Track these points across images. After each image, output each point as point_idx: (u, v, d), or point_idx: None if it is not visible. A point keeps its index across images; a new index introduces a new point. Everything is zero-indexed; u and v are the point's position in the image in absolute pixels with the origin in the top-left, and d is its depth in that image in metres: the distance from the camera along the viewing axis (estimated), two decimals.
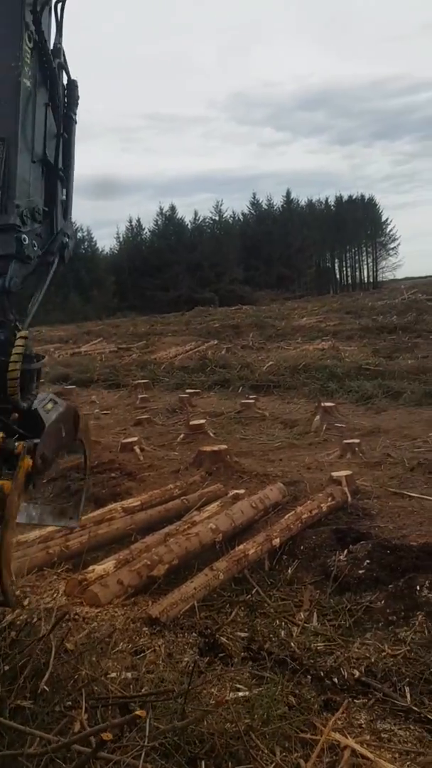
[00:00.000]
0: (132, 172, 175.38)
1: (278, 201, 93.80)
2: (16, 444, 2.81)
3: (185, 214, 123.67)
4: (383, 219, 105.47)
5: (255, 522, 6.08)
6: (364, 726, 3.32)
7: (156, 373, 18.14)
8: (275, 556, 5.47)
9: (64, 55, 3.22)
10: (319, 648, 4.15)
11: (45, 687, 2.90)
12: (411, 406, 11.80)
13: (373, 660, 3.99)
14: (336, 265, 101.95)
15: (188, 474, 7.86)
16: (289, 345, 23.65)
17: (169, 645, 3.93)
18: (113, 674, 3.36)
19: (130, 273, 68.71)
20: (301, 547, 5.58)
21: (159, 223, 77.83)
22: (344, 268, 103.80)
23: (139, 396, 14.74)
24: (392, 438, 9.65)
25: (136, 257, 71.54)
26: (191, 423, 10.68)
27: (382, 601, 4.64)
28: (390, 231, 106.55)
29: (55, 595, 4.59)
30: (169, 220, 78.45)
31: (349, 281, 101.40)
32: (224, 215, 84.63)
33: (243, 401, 12.85)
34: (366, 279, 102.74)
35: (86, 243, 69.37)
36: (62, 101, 3.20)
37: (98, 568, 4.91)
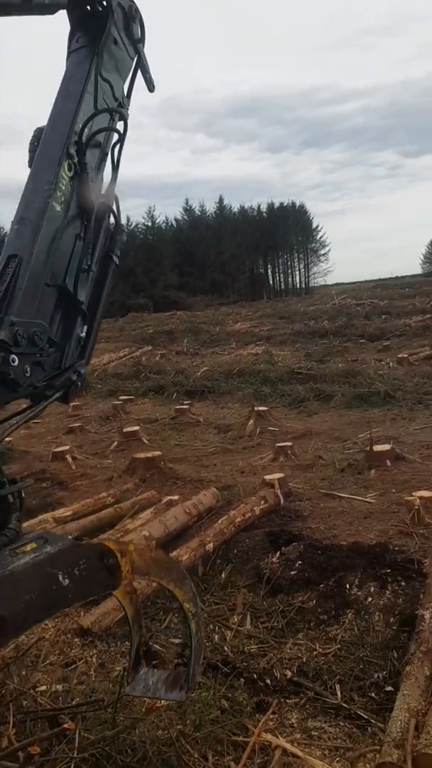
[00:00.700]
0: None
1: (211, 207, 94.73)
2: None
3: None
4: (314, 226, 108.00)
5: (189, 527, 6.08)
6: (295, 725, 3.37)
7: (89, 380, 17.90)
8: (209, 561, 5.48)
9: (117, 201, 3.01)
10: (252, 650, 4.19)
11: None
12: (341, 409, 12.05)
13: (304, 660, 4.05)
14: (269, 271, 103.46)
15: (122, 482, 7.80)
16: (223, 350, 23.82)
17: (101, 655, 3.89)
18: (43, 687, 3.30)
19: None
20: (235, 551, 5.61)
21: None
22: (277, 274, 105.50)
23: (71, 403, 14.52)
24: (324, 440, 9.84)
25: None
26: (125, 430, 10.61)
27: (314, 601, 4.71)
28: (320, 238, 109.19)
29: None
30: None
31: (282, 287, 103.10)
32: (157, 221, 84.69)
33: (177, 407, 12.85)
34: (298, 285, 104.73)
35: None
36: (101, 241, 2.94)
37: None
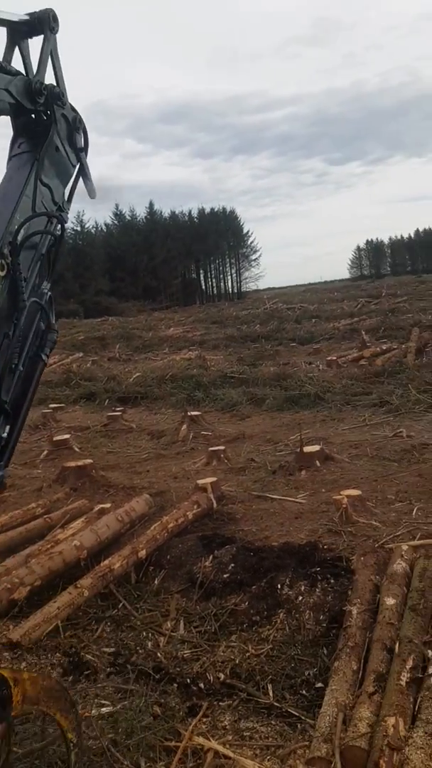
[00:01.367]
0: None
1: (141, 212, 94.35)
2: None
3: None
4: (245, 231, 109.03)
5: (121, 535, 6.03)
6: (227, 727, 3.39)
7: None
8: (142, 568, 5.45)
9: (50, 300, 2.95)
10: (185, 655, 4.20)
11: None
12: (273, 411, 12.22)
13: (237, 661, 4.09)
14: (201, 276, 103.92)
15: (52, 491, 7.67)
16: (156, 356, 23.76)
17: (31, 668, 3.81)
18: None
19: None
20: (168, 557, 5.61)
21: None
22: (209, 279, 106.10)
23: None
24: (256, 443, 9.96)
25: None
26: (55, 439, 10.42)
27: (246, 603, 4.76)
28: (251, 243, 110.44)
29: None
30: None
31: (215, 292, 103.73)
32: (86, 226, 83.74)
33: (110, 414, 12.73)
34: (230, 289, 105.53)
35: None
36: (30, 341, 2.87)
37: None
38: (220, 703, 3.65)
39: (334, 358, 17.32)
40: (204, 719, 3.37)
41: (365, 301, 39.20)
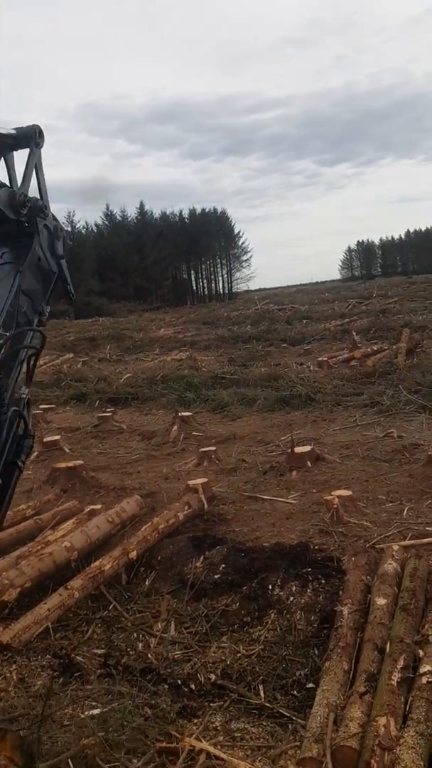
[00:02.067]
0: None
1: (132, 213, 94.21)
2: None
3: None
4: (236, 232, 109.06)
5: (112, 536, 6.02)
6: (219, 728, 3.39)
7: None
8: (133, 569, 5.44)
9: (28, 406, 2.90)
10: (176, 656, 4.19)
11: None
12: (264, 412, 12.21)
13: (228, 662, 4.08)
14: (192, 277, 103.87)
15: (42, 493, 7.63)
16: (147, 356, 23.71)
17: (21, 670, 3.80)
18: None
19: None
20: (159, 558, 5.59)
21: None
22: (200, 280, 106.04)
23: None
24: (247, 443, 9.95)
25: None
26: (45, 440, 10.37)
27: (237, 604, 4.75)
28: (242, 243, 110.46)
29: None
30: None
31: (206, 292, 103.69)
32: (77, 226, 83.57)
33: (100, 415, 12.69)
34: (221, 290, 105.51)
35: None
36: (6, 448, 2.82)
37: None
38: (211, 704, 3.65)
39: (325, 358, 17.34)
40: (195, 720, 3.35)
41: (356, 302, 39.29)
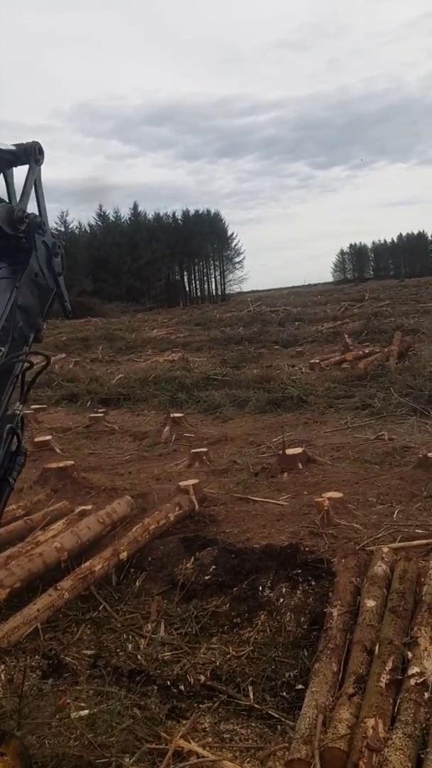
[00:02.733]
0: None
1: (126, 213, 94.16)
2: None
3: None
4: (229, 233, 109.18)
5: (103, 537, 6.00)
6: (208, 729, 3.39)
7: None
8: (123, 570, 5.43)
9: (21, 422, 2.88)
10: (165, 657, 4.18)
11: None
12: (256, 414, 12.22)
13: (218, 663, 4.08)
14: (185, 278, 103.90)
15: (33, 493, 7.61)
16: (139, 357, 23.69)
17: (9, 671, 3.78)
18: None
19: None
20: (149, 559, 5.59)
21: None
22: (193, 281, 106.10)
23: None
24: (239, 445, 9.96)
25: None
26: (36, 440, 10.34)
27: (227, 605, 4.75)
28: (235, 245, 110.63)
29: None
30: None
31: (198, 294, 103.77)
32: (70, 226, 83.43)
33: (92, 415, 12.67)
34: (214, 292, 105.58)
35: None
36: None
37: None
38: (201, 706, 3.65)
39: (317, 361, 17.36)
40: (184, 721, 3.35)
41: (348, 305, 39.39)
